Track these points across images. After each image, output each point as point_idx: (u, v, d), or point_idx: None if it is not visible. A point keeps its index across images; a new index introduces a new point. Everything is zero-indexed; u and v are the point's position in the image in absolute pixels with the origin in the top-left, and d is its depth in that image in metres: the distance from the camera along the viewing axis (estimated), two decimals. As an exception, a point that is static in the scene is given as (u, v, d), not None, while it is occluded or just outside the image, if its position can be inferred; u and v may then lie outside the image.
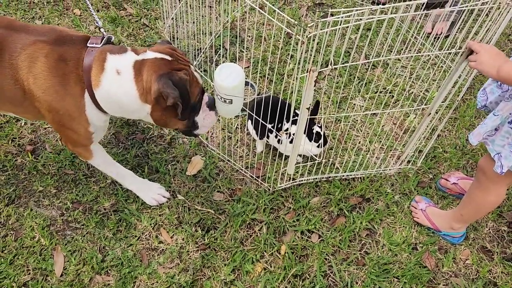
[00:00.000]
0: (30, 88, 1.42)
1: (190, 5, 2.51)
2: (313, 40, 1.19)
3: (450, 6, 2.45)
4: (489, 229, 1.96)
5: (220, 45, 2.51)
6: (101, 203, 1.89)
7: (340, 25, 1.16)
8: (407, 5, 1.15)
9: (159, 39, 2.53)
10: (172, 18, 2.47)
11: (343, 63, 2.40)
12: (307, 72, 1.30)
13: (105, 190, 1.93)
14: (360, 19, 1.17)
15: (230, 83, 1.43)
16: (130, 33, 2.55)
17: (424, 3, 1.15)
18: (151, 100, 1.41)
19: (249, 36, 2.61)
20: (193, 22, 2.52)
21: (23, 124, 2.11)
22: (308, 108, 1.46)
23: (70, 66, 1.41)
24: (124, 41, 2.50)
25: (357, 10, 1.15)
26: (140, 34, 2.56)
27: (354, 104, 2.33)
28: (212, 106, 1.60)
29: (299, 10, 2.78)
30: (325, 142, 1.95)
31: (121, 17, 2.63)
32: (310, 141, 1.90)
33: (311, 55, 1.20)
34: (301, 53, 1.18)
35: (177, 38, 2.44)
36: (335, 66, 1.35)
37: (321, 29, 1.16)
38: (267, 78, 2.36)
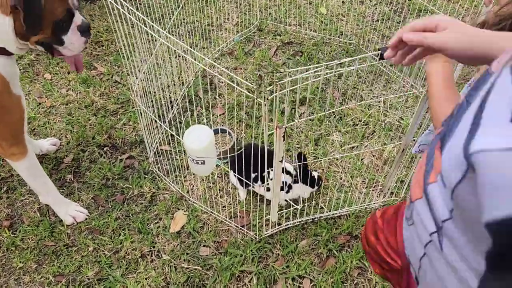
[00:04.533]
0: None
1: (161, 58, 2.53)
2: (273, 101, 1.19)
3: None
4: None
5: (194, 94, 2.52)
6: (84, 273, 1.84)
7: (299, 83, 1.17)
8: (360, 57, 1.17)
9: (131, 95, 2.54)
10: (144, 72, 2.48)
11: (316, 100, 2.42)
12: (274, 129, 1.30)
13: (88, 259, 1.88)
14: (319, 75, 1.18)
15: (199, 146, 1.43)
16: (102, 92, 2.55)
17: (379, 54, 1.17)
18: (8, 10, 1.41)
19: (222, 82, 2.63)
20: (165, 74, 2.53)
21: (-1, 198, 2.07)
22: (281, 161, 1.45)
23: None
24: (97, 101, 2.50)
25: (314, 67, 1.16)
26: (113, 92, 2.56)
27: (333, 140, 2.34)
28: (85, 31, 1.61)
29: (268, 52, 2.82)
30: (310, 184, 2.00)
31: (92, 77, 2.63)
32: (307, 185, 1.97)
33: (272, 116, 1.20)
34: (265, 114, 1.18)
35: (150, 92, 2.44)
36: (301, 120, 1.36)
37: (280, 90, 1.17)
38: (244, 122, 2.37)
